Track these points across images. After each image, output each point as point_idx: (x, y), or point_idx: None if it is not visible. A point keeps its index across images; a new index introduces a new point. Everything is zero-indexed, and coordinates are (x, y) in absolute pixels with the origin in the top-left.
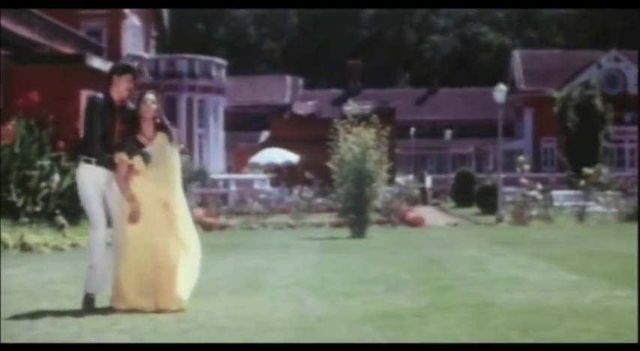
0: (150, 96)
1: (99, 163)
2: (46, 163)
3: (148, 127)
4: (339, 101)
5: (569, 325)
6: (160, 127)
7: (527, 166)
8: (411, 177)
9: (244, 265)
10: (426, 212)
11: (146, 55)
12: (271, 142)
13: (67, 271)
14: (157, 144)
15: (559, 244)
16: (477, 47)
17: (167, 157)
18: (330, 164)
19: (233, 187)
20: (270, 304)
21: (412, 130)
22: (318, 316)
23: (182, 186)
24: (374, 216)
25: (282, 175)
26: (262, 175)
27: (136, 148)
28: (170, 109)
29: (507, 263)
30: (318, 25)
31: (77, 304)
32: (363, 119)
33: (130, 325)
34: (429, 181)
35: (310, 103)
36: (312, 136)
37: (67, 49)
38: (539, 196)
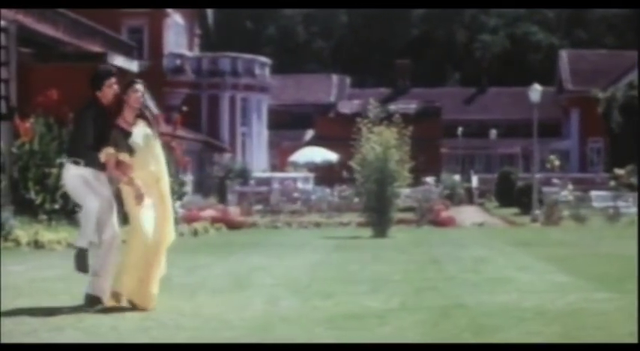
0: (140, 86)
1: (87, 164)
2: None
3: (129, 114)
4: (387, 100)
5: (526, 327)
6: (140, 115)
7: (557, 163)
8: (457, 176)
9: (244, 264)
10: (466, 212)
11: (188, 54)
12: (316, 141)
13: (65, 269)
14: (139, 128)
15: (572, 246)
16: (526, 47)
17: (151, 139)
18: (352, 163)
19: (275, 186)
20: (244, 304)
21: (460, 129)
22: (283, 315)
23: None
24: (407, 215)
25: (322, 174)
26: (305, 174)
27: (123, 141)
28: (212, 107)
29: (507, 264)
30: (368, 24)
31: (55, 302)
32: (384, 119)
33: (92, 322)
34: (475, 181)
35: (356, 102)
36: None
37: (95, 48)
38: (570, 197)
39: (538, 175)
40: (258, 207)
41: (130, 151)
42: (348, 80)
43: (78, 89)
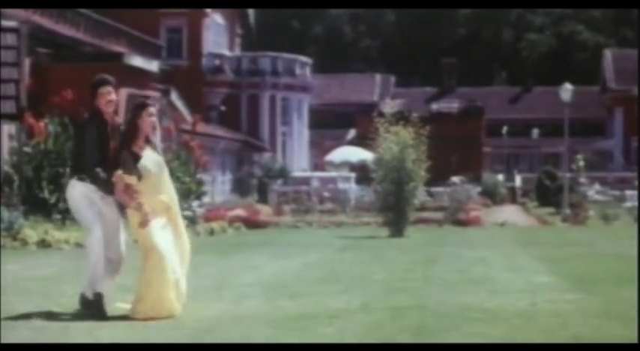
0: (153, 109)
1: (93, 182)
2: None
3: (141, 139)
4: (433, 99)
5: (471, 328)
6: (148, 139)
7: (582, 163)
8: (500, 176)
9: (237, 264)
10: (505, 211)
11: (228, 54)
12: (357, 140)
13: (60, 269)
14: (149, 153)
15: (580, 246)
16: (572, 46)
17: (162, 166)
18: (369, 163)
19: (315, 185)
20: (209, 304)
21: (504, 128)
22: (237, 315)
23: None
24: (435, 214)
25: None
26: (346, 173)
27: (132, 164)
28: (252, 107)
29: (499, 265)
30: (415, 23)
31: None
32: (401, 118)
33: (42, 323)
34: (518, 180)
35: (398, 101)
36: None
37: (120, 48)
38: (597, 196)
39: (569, 175)
40: (292, 206)
41: (139, 175)
42: (392, 79)
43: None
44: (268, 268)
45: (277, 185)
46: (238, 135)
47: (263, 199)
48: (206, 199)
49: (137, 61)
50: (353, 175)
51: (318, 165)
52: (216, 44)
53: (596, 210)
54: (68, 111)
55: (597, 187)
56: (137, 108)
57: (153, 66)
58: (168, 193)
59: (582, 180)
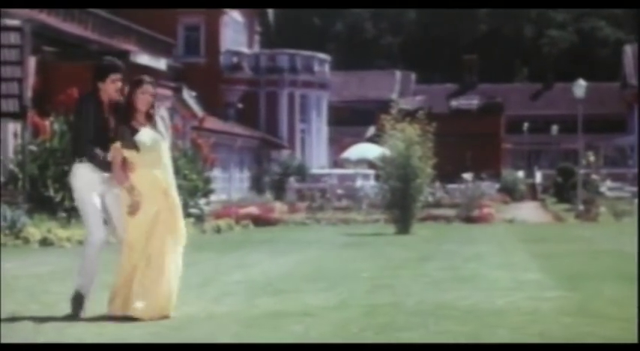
0: (149, 87)
1: (89, 160)
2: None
3: (140, 116)
4: (454, 96)
5: (436, 326)
6: (149, 118)
7: (592, 158)
8: (520, 172)
9: (231, 261)
10: (524, 208)
11: (246, 51)
12: (376, 138)
13: (54, 267)
14: (147, 130)
15: (582, 242)
16: (593, 42)
17: (159, 143)
18: (375, 160)
19: (334, 182)
20: (189, 302)
21: (525, 125)
22: (210, 313)
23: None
24: (449, 211)
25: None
26: (366, 170)
27: (130, 137)
28: (271, 104)
29: (493, 262)
30: (436, 20)
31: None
32: (407, 115)
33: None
34: (538, 177)
35: (418, 97)
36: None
37: (129, 46)
38: (609, 193)
39: (582, 171)
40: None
41: (136, 148)
42: (412, 76)
43: None
44: (261, 266)
45: (294, 182)
46: (256, 132)
47: (281, 196)
48: (223, 197)
49: (144, 59)
50: (372, 172)
51: (337, 162)
52: (234, 42)
53: (610, 206)
54: (74, 109)
55: (609, 183)
56: (133, 85)
57: (161, 64)
58: (166, 173)
59: (594, 176)
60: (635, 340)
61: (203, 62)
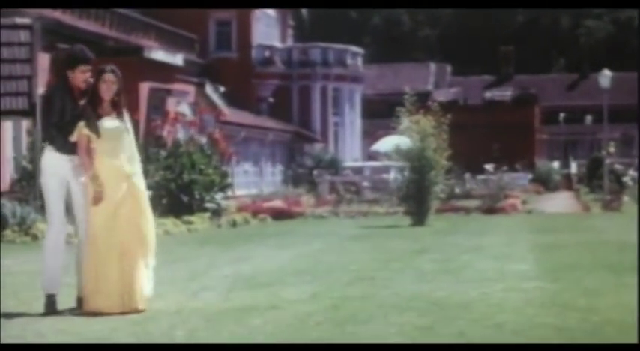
0: (110, 76)
1: (57, 147)
2: None
3: (106, 105)
4: (490, 88)
5: (398, 318)
6: (114, 106)
7: (612, 149)
8: (556, 163)
9: (234, 255)
10: (556, 198)
11: (278, 45)
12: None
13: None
14: (111, 118)
15: (587, 233)
16: (630, 32)
17: (124, 131)
18: (390, 152)
19: (363, 175)
20: (165, 296)
21: (561, 115)
22: (180, 308)
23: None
24: (472, 203)
25: None
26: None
27: (93, 120)
28: (303, 98)
29: (490, 253)
30: (473, 12)
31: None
32: (422, 107)
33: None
34: (573, 167)
35: (452, 89)
36: (452, 122)
37: (149, 42)
38: (630, 183)
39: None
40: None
41: (98, 133)
42: (448, 68)
43: None
44: (255, 260)
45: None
46: (289, 126)
47: (313, 190)
48: (253, 191)
49: (159, 55)
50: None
51: (371, 155)
52: (266, 36)
53: (634, 196)
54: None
55: (632, 172)
56: (96, 74)
57: (177, 59)
58: (132, 161)
59: (617, 166)
60: (634, 340)
61: (235, 57)
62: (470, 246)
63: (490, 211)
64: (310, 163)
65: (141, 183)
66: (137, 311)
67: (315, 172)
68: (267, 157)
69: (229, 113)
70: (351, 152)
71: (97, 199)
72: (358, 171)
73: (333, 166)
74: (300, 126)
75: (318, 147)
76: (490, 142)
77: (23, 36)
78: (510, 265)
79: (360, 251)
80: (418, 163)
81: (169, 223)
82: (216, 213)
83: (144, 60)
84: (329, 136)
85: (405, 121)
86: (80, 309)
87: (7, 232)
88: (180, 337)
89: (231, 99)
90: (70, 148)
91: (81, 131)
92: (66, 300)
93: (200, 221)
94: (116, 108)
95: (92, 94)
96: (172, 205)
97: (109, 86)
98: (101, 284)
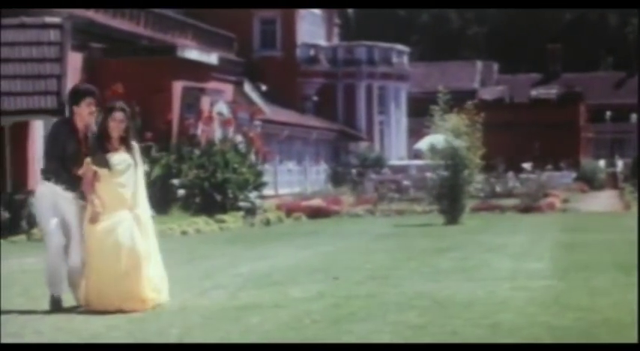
0: (119, 114)
1: (57, 181)
2: None
3: (114, 142)
4: (537, 86)
5: (395, 317)
6: (123, 142)
7: None
8: (601, 162)
9: (255, 254)
10: (599, 197)
11: (323, 44)
12: None
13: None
14: (120, 154)
15: (613, 233)
16: None
17: (131, 166)
18: (424, 150)
19: (413, 173)
20: (174, 294)
21: (608, 114)
22: (184, 306)
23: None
24: (511, 202)
25: None
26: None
27: (101, 154)
28: (349, 96)
29: (511, 252)
30: (522, 9)
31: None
32: (455, 105)
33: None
34: (620, 165)
35: (498, 88)
36: (498, 121)
37: (186, 42)
38: None
39: None
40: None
41: (108, 167)
42: (495, 66)
43: (147, 82)
44: (275, 259)
45: (372, 174)
46: (334, 125)
47: (358, 188)
48: (296, 189)
49: (193, 54)
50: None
51: (416, 153)
52: (312, 34)
53: None
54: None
55: None
56: (106, 111)
57: (212, 58)
58: (137, 195)
59: None
60: (631, 340)
61: (279, 55)
62: (494, 245)
63: (527, 209)
64: (355, 161)
65: (145, 215)
66: (144, 308)
67: (353, 171)
68: (311, 155)
69: (272, 112)
70: (396, 150)
71: (94, 220)
72: (403, 169)
73: (378, 164)
74: (345, 124)
75: (363, 145)
76: (534, 141)
77: (53, 35)
78: (526, 264)
79: (381, 250)
80: (452, 162)
81: (201, 221)
82: (250, 212)
83: (177, 59)
84: (374, 134)
85: (438, 120)
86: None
87: (36, 231)
88: (173, 336)
89: (276, 98)
90: (72, 183)
91: (88, 166)
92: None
93: (233, 220)
94: (124, 143)
95: (101, 130)
96: (205, 204)
97: (117, 124)
98: (99, 291)
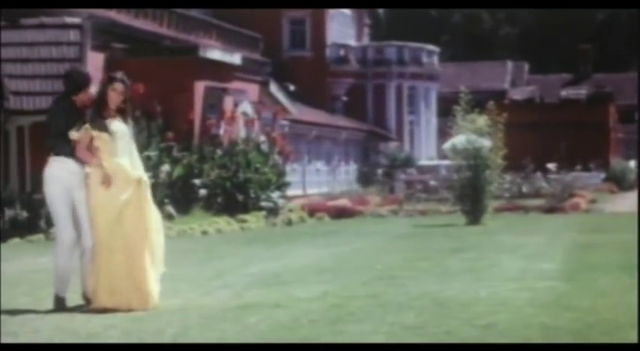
0: (119, 85)
1: (59, 152)
2: (153, 153)
3: (111, 111)
4: (567, 86)
5: (387, 317)
6: (120, 112)
7: None
8: (632, 162)
9: (269, 254)
10: (627, 198)
11: (353, 44)
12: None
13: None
14: (119, 123)
15: (631, 232)
16: None
17: (126, 135)
18: (447, 151)
19: (442, 173)
20: (179, 294)
21: (637, 114)
22: (185, 305)
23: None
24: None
25: None
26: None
27: (101, 122)
28: (378, 96)
29: (525, 252)
30: (553, 9)
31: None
32: (476, 105)
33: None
34: None
35: (529, 88)
36: (527, 121)
37: (210, 41)
38: None
39: None
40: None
41: (107, 131)
42: (526, 66)
43: (169, 82)
44: (288, 259)
45: (401, 174)
46: (364, 125)
47: (388, 188)
48: (324, 189)
49: (215, 54)
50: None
51: (446, 153)
52: (342, 34)
53: None
54: (140, 104)
55: None
56: (107, 81)
57: (235, 58)
58: (133, 163)
59: None
60: (634, 340)
61: (309, 56)
62: (510, 245)
63: (551, 210)
64: (385, 161)
65: (146, 184)
66: (145, 309)
67: (379, 171)
68: (340, 155)
69: (301, 112)
70: (426, 150)
71: (107, 182)
72: (432, 169)
73: (408, 164)
74: (375, 124)
75: (393, 146)
76: (564, 141)
77: (73, 35)
78: (536, 265)
79: (396, 250)
80: (474, 162)
81: (222, 221)
82: (273, 211)
83: (199, 59)
84: (404, 134)
85: (460, 120)
86: (88, 306)
87: (54, 230)
88: (169, 335)
89: (305, 98)
90: (73, 155)
91: (87, 131)
92: (77, 297)
93: (255, 220)
94: (122, 114)
95: (99, 98)
96: (227, 204)
97: (117, 95)
98: (108, 283)
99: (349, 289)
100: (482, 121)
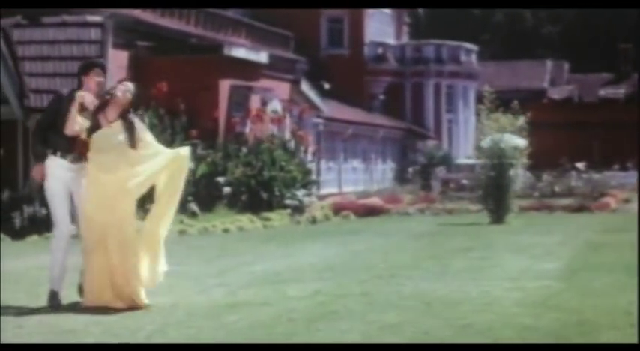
0: (130, 85)
1: (61, 149)
2: None
3: (113, 112)
4: (607, 85)
5: (377, 316)
6: (124, 117)
7: None
8: None
9: (279, 252)
10: None
11: (391, 42)
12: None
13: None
14: (116, 129)
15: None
16: None
17: (121, 146)
18: (473, 150)
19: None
20: (174, 292)
21: None
22: (174, 303)
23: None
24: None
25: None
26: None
27: (95, 127)
28: (416, 95)
29: (534, 252)
30: (596, 8)
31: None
32: (501, 104)
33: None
34: None
35: (568, 87)
36: (566, 120)
37: (239, 40)
38: None
39: None
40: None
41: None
42: (565, 65)
43: (193, 80)
44: (295, 257)
45: (440, 173)
46: (402, 123)
47: (423, 186)
48: (360, 188)
49: (240, 52)
50: (519, 161)
51: None
52: (381, 33)
53: None
54: (163, 103)
55: None
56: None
57: (261, 57)
58: (134, 173)
59: None
60: (612, 340)
61: (347, 54)
62: (522, 245)
63: (579, 209)
64: (422, 160)
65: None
66: (137, 306)
67: (410, 170)
68: (377, 154)
69: (337, 110)
70: (464, 149)
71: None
72: (470, 168)
73: (446, 163)
74: (412, 123)
75: (431, 144)
76: (598, 140)
77: (94, 34)
78: (539, 265)
79: (408, 249)
80: (498, 161)
81: (245, 219)
82: (298, 210)
83: (224, 57)
84: (442, 133)
85: (485, 119)
86: (82, 301)
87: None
88: (146, 332)
89: (342, 96)
90: (66, 149)
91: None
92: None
93: (279, 218)
94: (126, 120)
95: (98, 106)
96: (251, 202)
97: (126, 94)
98: (98, 280)
99: (343, 287)
100: (504, 120)
